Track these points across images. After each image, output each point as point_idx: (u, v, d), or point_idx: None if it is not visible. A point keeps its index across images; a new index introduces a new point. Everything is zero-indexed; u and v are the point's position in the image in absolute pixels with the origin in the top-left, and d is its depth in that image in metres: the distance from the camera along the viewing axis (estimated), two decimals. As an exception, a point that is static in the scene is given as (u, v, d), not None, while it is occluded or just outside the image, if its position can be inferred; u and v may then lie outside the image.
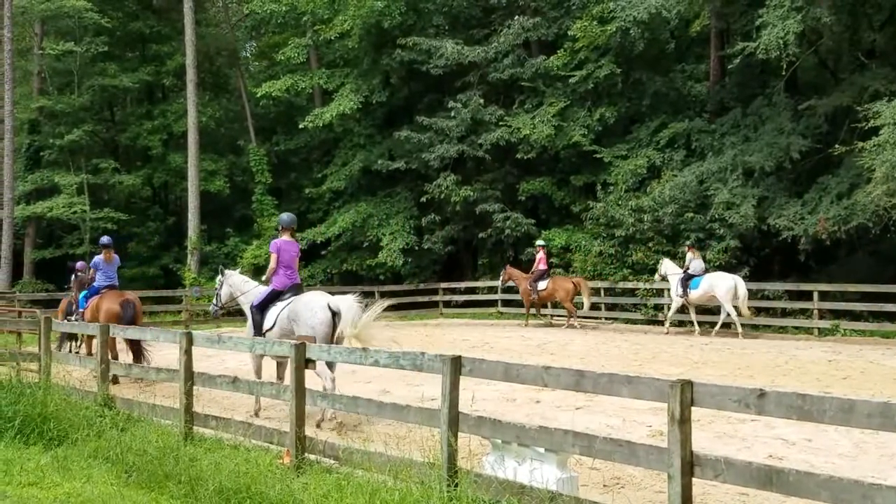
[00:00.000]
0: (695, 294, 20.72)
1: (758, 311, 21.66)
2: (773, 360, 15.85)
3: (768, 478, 4.75)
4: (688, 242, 22.30)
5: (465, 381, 6.48)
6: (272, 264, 10.83)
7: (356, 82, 30.65)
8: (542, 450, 6.07)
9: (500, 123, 28.15)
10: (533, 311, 24.64)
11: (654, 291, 23.33)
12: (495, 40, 28.80)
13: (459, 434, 6.33)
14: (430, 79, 30.46)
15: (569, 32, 27.33)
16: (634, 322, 23.68)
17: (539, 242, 24.86)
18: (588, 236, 25.79)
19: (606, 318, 24.44)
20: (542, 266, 23.85)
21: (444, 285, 28.43)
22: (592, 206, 25.32)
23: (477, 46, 29.00)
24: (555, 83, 28.48)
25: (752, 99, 24.47)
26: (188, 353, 8.94)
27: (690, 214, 23.11)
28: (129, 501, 7.05)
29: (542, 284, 23.61)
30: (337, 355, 7.70)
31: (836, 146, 18.77)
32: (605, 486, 7.16)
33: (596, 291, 24.27)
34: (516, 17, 28.80)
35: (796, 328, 20.84)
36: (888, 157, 16.20)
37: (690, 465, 5.02)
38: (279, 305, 10.51)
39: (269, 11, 31.98)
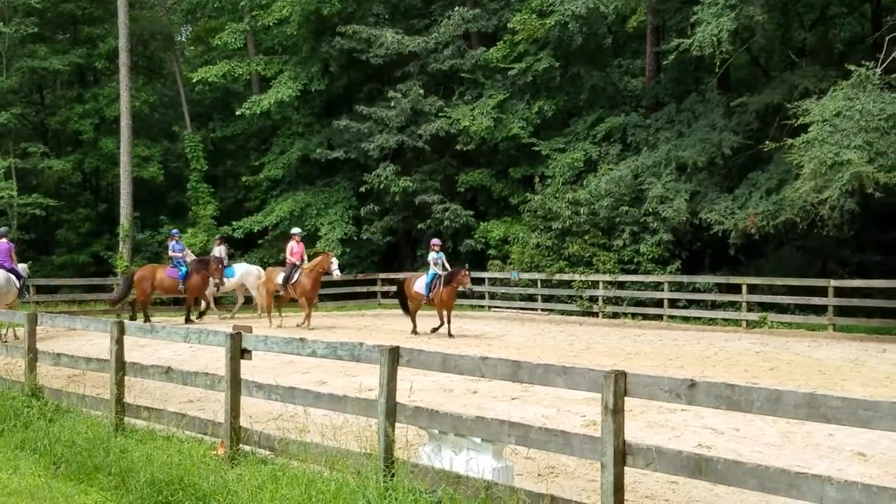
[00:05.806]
0: (230, 282, 22.80)
1: (689, 304, 22.30)
2: (702, 351, 16.22)
3: (698, 466, 4.87)
4: (217, 236, 24.46)
5: (403, 372, 6.49)
6: None
7: (295, 69, 30.31)
8: (478, 440, 6.11)
9: (440, 114, 28.16)
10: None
11: (590, 283, 23.68)
12: (435, 31, 28.78)
13: (397, 424, 6.34)
14: (370, 68, 30.28)
15: (508, 25, 27.48)
16: (570, 313, 23.97)
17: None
18: (526, 228, 25.99)
19: (542, 310, 24.70)
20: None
21: (382, 276, 28.28)
22: (530, 198, 25.51)
23: (417, 36, 28.92)
24: (494, 75, 28.61)
25: (686, 95, 24.94)
26: (119, 342, 8.77)
27: (625, 208, 23.48)
28: (57, 493, 6.90)
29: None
30: (274, 345, 7.63)
31: (767, 143, 19.17)
32: (539, 475, 7.24)
33: (533, 283, 24.67)
34: (456, 7, 28.79)
35: (725, 320, 21.38)
36: (816, 154, 16.60)
37: (623, 454, 5.12)
38: None
39: (205, -5, 31.42)
